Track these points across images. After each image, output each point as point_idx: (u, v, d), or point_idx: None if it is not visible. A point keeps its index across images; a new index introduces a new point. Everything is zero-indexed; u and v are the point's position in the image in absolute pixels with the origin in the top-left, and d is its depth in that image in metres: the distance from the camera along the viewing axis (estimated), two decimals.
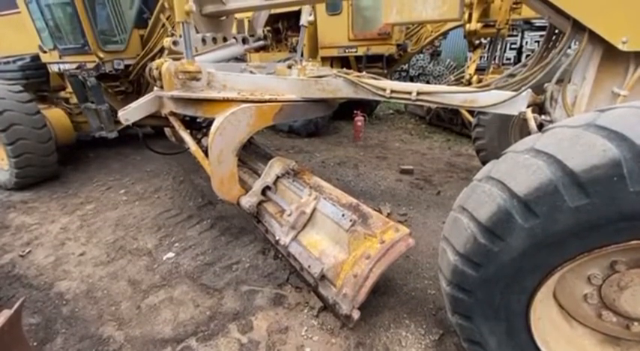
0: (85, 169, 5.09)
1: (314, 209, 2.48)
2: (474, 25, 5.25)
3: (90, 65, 4.28)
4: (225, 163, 2.77)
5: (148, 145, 3.37)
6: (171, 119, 3.13)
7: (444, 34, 6.58)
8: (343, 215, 2.27)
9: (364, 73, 3.29)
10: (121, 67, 4.37)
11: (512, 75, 3.62)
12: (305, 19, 4.32)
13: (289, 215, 2.51)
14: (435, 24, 5.97)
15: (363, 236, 2.14)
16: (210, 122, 3.64)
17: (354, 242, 2.16)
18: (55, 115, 4.77)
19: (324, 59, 6.64)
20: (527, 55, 8.41)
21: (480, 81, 5.61)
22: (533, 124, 2.19)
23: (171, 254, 2.99)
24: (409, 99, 2.76)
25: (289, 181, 2.85)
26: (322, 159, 5.25)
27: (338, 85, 2.98)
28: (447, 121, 6.62)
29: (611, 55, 1.79)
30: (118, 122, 4.05)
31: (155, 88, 3.08)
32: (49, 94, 5.16)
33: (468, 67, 5.96)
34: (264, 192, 2.87)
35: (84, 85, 4.31)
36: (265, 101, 2.77)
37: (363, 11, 6.09)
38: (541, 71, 2.12)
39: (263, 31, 4.23)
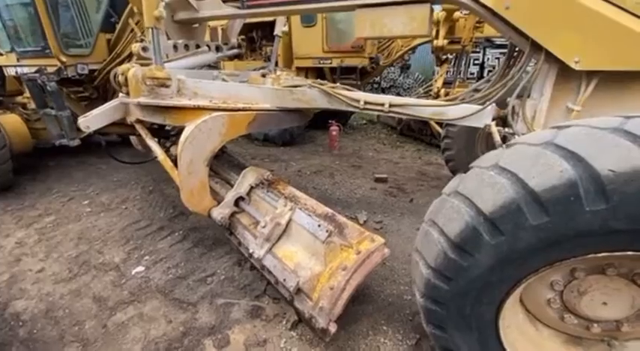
0: (44, 179, 4.78)
1: (289, 220, 2.47)
2: (441, 42, 5.52)
3: (50, 69, 4.05)
4: (196, 173, 2.70)
5: (111, 153, 3.22)
6: (138, 127, 3.03)
7: (414, 49, 6.85)
8: (319, 226, 2.27)
9: (338, 84, 3.36)
10: (85, 71, 4.18)
11: (476, 90, 3.84)
12: (279, 29, 4.35)
13: (264, 227, 2.48)
14: (405, 39, 6.20)
15: (340, 247, 2.15)
16: (180, 131, 3.55)
17: (330, 253, 2.16)
18: (10, 121, 4.45)
19: (299, 69, 6.68)
20: (489, 71, 8.93)
21: (447, 94, 5.88)
22: (497, 137, 2.32)
23: (140, 268, 2.86)
24: (382, 110, 2.83)
25: (263, 191, 2.82)
26: (298, 168, 5.25)
27: (313, 96, 3.00)
28: (417, 132, 6.85)
29: (566, 73, 1.94)
30: (80, 130, 3.86)
31: (120, 94, 2.97)
32: (4, 98, 4.83)
33: (435, 80, 6.23)
34: (237, 203, 2.81)
35: (43, 89, 4.07)
36: (238, 110, 2.74)
37: (337, 24, 6.22)
38: (503, 87, 2.26)
39: (237, 39, 4.21)
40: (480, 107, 2.39)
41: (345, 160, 5.73)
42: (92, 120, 2.79)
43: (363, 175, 4.95)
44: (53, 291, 2.62)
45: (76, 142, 4.28)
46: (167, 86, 2.78)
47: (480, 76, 8.79)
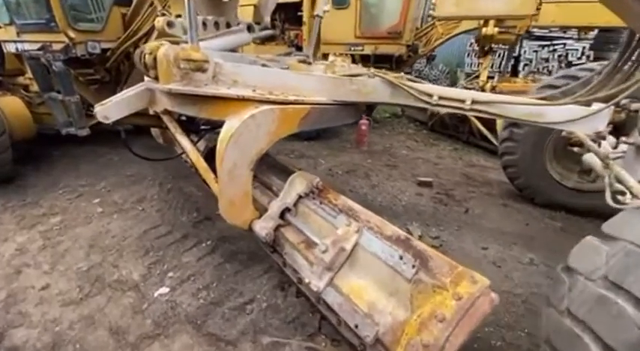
0: (49, 170, 4.29)
1: (355, 244, 1.99)
2: (491, 30, 4.93)
3: (56, 46, 3.51)
4: (238, 179, 2.20)
5: (131, 148, 2.73)
6: (165, 119, 2.52)
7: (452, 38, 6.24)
8: (401, 257, 1.79)
9: (402, 74, 2.85)
10: (97, 51, 3.64)
11: (553, 86, 3.30)
12: (320, 8, 3.78)
13: (324, 252, 1.99)
14: (448, 26, 5.61)
15: (431, 289, 1.67)
16: (214, 126, 3.04)
17: (419, 296, 1.67)
18: (10, 104, 3.94)
19: (325, 56, 6.10)
20: (525, 65, 8.30)
21: (493, 88, 5.32)
22: (593, 147, 1.91)
23: (164, 290, 2.39)
24: (461, 108, 2.37)
25: (314, 202, 2.32)
26: (328, 166, 4.74)
27: (374, 87, 2.52)
28: (452, 129, 6.31)
29: None
30: (90, 116, 3.35)
31: (146, 78, 2.44)
32: (3, 79, 4.30)
33: (479, 73, 5.66)
34: (282, 215, 2.33)
35: (48, 70, 3.54)
36: (290, 103, 2.23)
37: (372, 7, 5.62)
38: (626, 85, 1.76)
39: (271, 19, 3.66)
40: (595, 109, 1.90)
41: (376, 158, 5.21)
42: (112, 109, 2.30)
43: (401, 176, 4.45)
44: (60, 317, 2.16)
45: (85, 132, 3.77)
46: (204, 71, 2.26)
47: (515, 70, 8.18)
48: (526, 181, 3.63)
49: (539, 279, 2.59)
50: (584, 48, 7.51)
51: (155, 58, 2.18)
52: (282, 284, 2.46)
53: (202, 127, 3.04)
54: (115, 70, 3.89)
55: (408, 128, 7.19)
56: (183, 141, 2.45)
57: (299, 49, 6.49)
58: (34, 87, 3.93)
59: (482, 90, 5.23)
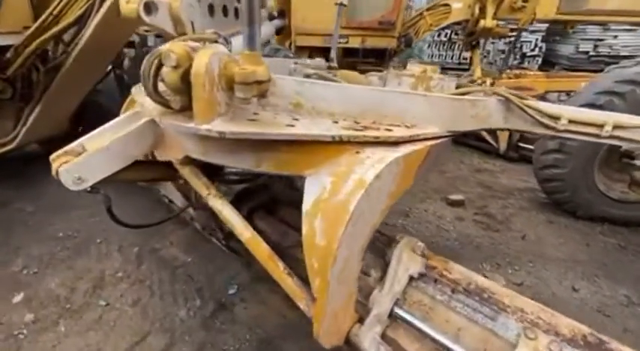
0: None
1: None
2: (490, 22, 4.53)
3: None
4: (349, 277, 1.34)
5: (118, 218, 1.49)
6: (186, 173, 1.45)
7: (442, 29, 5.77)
8: None
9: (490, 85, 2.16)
10: None
11: None
12: None
13: None
14: (436, 17, 5.06)
15: None
16: (247, 175, 1.93)
17: None
18: None
19: (299, 49, 5.10)
20: (484, 56, 8.28)
21: (492, 83, 4.98)
22: None
23: None
24: (598, 135, 1.82)
25: (436, 287, 1.53)
26: None
27: (491, 109, 1.83)
28: None
29: None
30: None
31: (148, 102, 1.29)
32: None
33: (472, 69, 5.28)
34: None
35: None
36: (406, 141, 1.40)
37: None
38: None
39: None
40: None
41: None
42: (89, 165, 1.20)
43: (425, 194, 3.82)
44: None
45: None
46: (265, 96, 1.24)
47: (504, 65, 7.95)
48: (571, 195, 3.31)
49: None
50: (536, 39, 7.78)
51: (185, 76, 1.09)
52: None
53: (228, 176, 1.92)
54: (22, 80, 2.40)
55: None
56: (229, 213, 1.39)
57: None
58: None
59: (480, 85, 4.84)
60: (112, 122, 1.40)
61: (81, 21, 2.09)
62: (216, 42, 1.34)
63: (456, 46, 8.19)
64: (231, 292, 2.23)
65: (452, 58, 8.37)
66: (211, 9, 1.71)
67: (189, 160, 1.41)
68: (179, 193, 2.23)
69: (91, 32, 2.12)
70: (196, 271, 2.40)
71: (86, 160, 1.23)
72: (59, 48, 2.27)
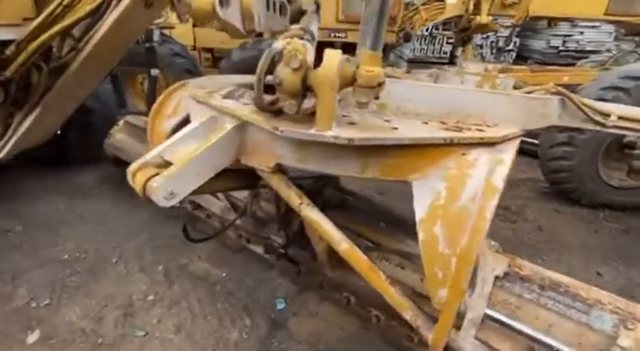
0: None
1: None
2: (485, 19, 4.63)
3: None
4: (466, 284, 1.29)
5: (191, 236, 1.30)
6: (275, 182, 1.31)
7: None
8: None
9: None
10: None
11: None
12: None
13: None
14: (431, 11, 5.09)
15: None
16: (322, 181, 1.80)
17: None
18: None
19: None
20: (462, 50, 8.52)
21: None
22: None
23: None
24: None
25: (522, 285, 1.55)
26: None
27: (553, 107, 1.85)
28: None
29: None
30: None
31: (232, 104, 1.15)
32: None
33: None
34: None
35: None
36: (501, 141, 1.39)
37: None
38: None
39: None
40: None
41: None
42: (178, 178, 1.05)
43: None
44: None
45: None
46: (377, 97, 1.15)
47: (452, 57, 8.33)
48: (578, 185, 3.49)
49: None
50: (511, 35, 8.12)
51: (314, 75, 0.97)
52: None
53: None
54: (21, 81, 2.03)
55: None
56: (325, 223, 1.28)
57: (259, 34, 5.09)
58: None
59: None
60: (187, 130, 1.26)
61: (97, 13, 1.81)
62: (302, 39, 1.23)
63: (437, 40, 8.35)
64: (279, 306, 2.09)
65: (433, 53, 8.54)
66: (268, 5, 1.55)
67: (279, 168, 1.28)
68: (220, 202, 2.06)
69: (109, 26, 1.85)
70: (235, 287, 2.23)
71: (178, 173, 1.07)
72: (65, 44, 1.96)
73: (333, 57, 1.01)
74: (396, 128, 1.24)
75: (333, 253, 1.73)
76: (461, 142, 1.22)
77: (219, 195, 2.15)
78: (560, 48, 7.73)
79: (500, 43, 8.33)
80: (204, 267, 2.39)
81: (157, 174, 1.07)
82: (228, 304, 2.11)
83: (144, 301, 2.10)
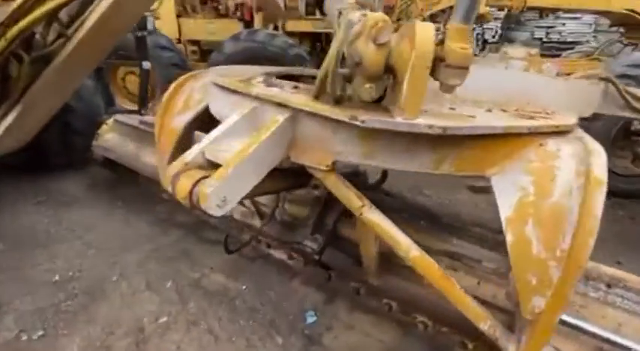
0: None
1: None
2: (483, 9, 4.57)
3: None
4: None
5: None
6: (330, 183, 1.12)
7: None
8: None
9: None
10: None
11: None
12: None
13: None
14: (428, 2, 4.97)
15: None
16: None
17: None
18: None
19: (288, 35, 4.69)
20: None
21: None
22: None
23: None
24: None
25: (587, 283, 1.54)
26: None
27: (599, 94, 1.77)
28: None
29: None
30: None
31: (275, 91, 0.99)
32: None
33: None
34: None
35: None
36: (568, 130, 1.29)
37: None
38: None
39: None
40: None
41: None
42: (230, 183, 0.84)
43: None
44: None
45: None
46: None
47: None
48: None
49: None
50: (497, 26, 8.20)
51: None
52: None
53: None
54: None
55: None
56: (391, 228, 1.11)
57: (247, 24, 4.83)
58: None
59: None
60: (226, 125, 1.05)
61: None
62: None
63: None
64: (310, 320, 1.91)
65: None
66: None
67: (334, 167, 1.09)
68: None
69: (105, 9, 1.58)
70: (258, 301, 2.01)
71: (231, 175, 0.87)
72: (51, 30, 1.67)
73: (426, 30, 0.83)
74: (472, 116, 1.08)
75: (384, 259, 1.57)
76: (539, 131, 1.09)
77: None
78: (544, 39, 7.88)
79: (487, 36, 8.42)
80: (219, 280, 2.16)
81: (206, 177, 0.87)
82: (253, 320, 1.90)
83: (156, 325, 1.85)
